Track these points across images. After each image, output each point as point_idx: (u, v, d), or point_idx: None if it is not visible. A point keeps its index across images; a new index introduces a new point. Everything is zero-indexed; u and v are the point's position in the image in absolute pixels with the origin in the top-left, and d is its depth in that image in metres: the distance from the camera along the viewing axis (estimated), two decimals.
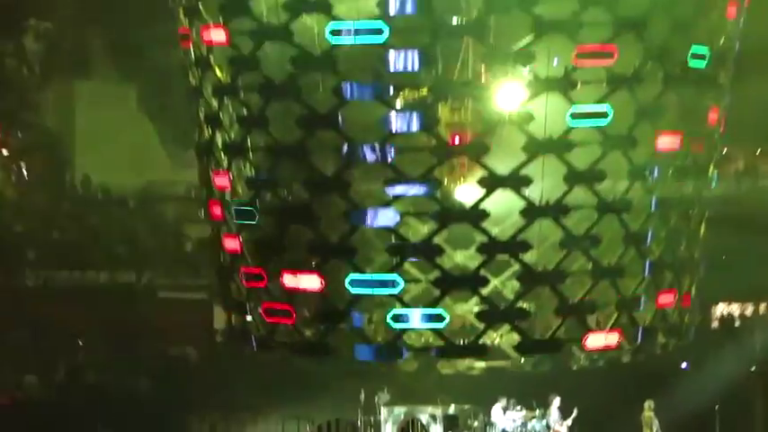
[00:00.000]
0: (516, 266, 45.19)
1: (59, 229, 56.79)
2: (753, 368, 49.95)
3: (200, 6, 47.42)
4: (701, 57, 46.82)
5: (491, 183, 43.98)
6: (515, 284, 45.37)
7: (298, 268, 47.01)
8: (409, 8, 44.17)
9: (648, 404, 46.39)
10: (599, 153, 44.93)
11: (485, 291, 44.97)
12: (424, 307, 44.97)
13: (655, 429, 46.68)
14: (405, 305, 44.63)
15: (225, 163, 47.88)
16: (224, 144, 47.95)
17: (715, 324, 53.31)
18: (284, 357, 47.46)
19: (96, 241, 55.61)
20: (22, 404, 51.92)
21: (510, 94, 44.92)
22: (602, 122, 44.59)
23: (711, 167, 48.86)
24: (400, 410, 46.20)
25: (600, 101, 44.60)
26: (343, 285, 45.49)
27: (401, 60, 44.36)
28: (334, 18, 44.13)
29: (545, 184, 45.09)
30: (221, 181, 49.12)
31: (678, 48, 46.07)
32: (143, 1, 50.96)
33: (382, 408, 46.22)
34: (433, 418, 46.28)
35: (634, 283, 46.15)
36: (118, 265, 51.89)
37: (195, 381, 50.01)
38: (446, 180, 46.41)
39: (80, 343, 56.40)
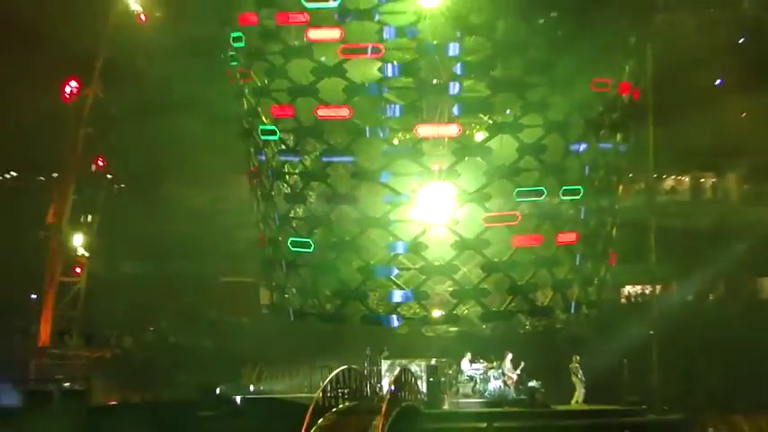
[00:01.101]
0: (479, 258, 46.09)
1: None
2: (651, 332, 50.14)
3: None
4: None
5: (462, 199, 45.60)
6: (479, 271, 46.08)
7: None
8: (401, 73, 45.61)
9: (575, 357, 46.66)
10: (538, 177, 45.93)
11: (456, 276, 45.72)
12: (414, 288, 46.26)
13: (579, 376, 46.59)
14: (399, 287, 46.01)
15: (268, 182, 48.51)
16: (268, 169, 48.34)
17: (623, 300, 54.50)
18: (311, 324, 48.14)
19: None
20: (119, 358, 51.96)
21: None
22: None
23: (620, 188, 49.36)
24: (395, 362, 46.57)
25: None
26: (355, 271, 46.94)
27: (396, 110, 46.33)
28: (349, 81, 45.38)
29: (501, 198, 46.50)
30: (265, 203, 49.46)
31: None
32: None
33: (383, 360, 46.83)
34: (419, 368, 46.37)
35: (565, 270, 46.99)
36: (192, 257, 52.43)
37: (247, 341, 50.77)
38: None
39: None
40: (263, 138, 49.16)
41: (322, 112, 46.12)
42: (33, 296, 51.60)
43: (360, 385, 44.34)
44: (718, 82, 54.22)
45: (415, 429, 41.44)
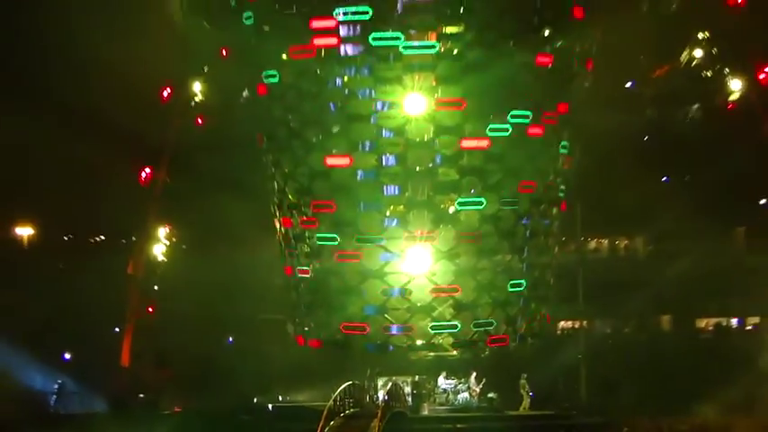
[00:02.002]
0: (451, 300, 46.80)
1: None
2: (579, 355, 51.83)
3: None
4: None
5: (437, 256, 46.41)
6: (451, 311, 46.78)
7: None
8: (393, 162, 46.68)
9: (523, 375, 47.87)
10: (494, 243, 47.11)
11: (434, 314, 46.50)
12: (402, 323, 46.74)
13: (526, 389, 47.55)
14: (391, 322, 46.55)
15: (292, 243, 48.88)
16: (292, 234, 48.97)
17: (559, 332, 55.04)
18: (325, 350, 48.57)
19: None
20: (181, 375, 51.40)
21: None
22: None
23: (555, 248, 50.10)
24: (388, 378, 47.33)
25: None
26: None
27: (390, 189, 47.10)
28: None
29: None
30: (290, 259, 49.93)
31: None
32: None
33: (378, 377, 47.86)
34: (406, 383, 47.61)
35: (514, 309, 47.67)
36: (237, 300, 53.10)
37: (277, 363, 50.82)
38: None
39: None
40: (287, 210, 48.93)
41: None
42: (116, 329, 52.17)
43: (361, 396, 45.53)
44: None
45: (404, 430, 42.44)
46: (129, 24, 48.51)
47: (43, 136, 46.44)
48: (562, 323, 55.37)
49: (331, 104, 47.58)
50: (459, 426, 44.23)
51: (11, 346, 47.82)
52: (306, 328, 49.66)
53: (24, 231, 54.85)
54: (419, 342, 47.53)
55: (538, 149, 48.19)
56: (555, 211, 49.34)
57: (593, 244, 58.10)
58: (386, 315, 47.25)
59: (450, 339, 47.87)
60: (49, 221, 55.08)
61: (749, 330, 55.01)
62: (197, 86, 54.56)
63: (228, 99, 52.71)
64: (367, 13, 45.96)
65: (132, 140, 51.00)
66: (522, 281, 48.52)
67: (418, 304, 47.16)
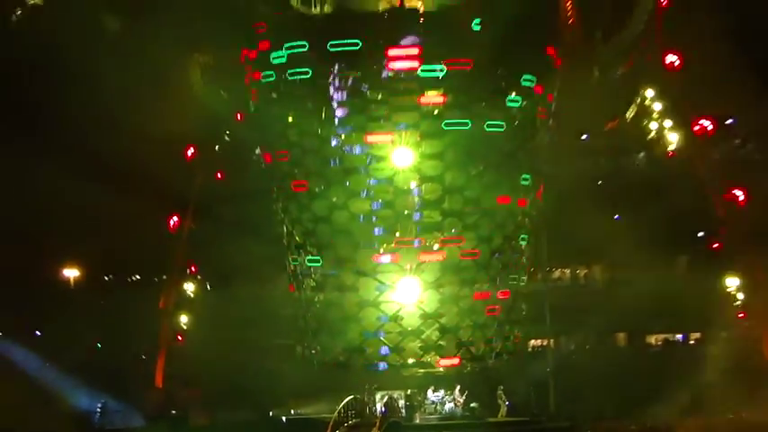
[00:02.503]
0: (437, 325, 47.28)
1: None
2: (548, 369, 51.76)
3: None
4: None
5: (425, 287, 46.99)
6: (437, 333, 47.32)
7: None
8: (383, 207, 47.43)
9: (500, 387, 47.84)
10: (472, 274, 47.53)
11: (423, 337, 47.07)
12: (395, 345, 47.19)
13: (503, 399, 47.30)
14: (386, 344, 47.23)
15: (300, 278, 49.10)
16: (300, 271, 49.19)
17: (530, 349, 55.00)
18: (329, 369, 48.90)
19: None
20: (205, 393, 51.16)
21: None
22: None
23: (525, 277, 50.24)
24: (384, 392, 47.52)
25: None
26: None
27: (381, 230, 47.94)
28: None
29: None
30: (299, 291, 49.83)
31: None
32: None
33: (376, 392, 47.79)
34: (400, 396, 47.38)
35: (492, 331, 48.32)
36: (255, 327, 52.69)
37: (289, 381, 50.68)
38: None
39: None
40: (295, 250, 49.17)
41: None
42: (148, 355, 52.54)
43: (362, 408, 46.02)
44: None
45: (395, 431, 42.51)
46: (160, 91, 48.80)
47: (88, 188, 46.73)
48: (532, 341, 55.11)
49: (330, 160, 47.91)
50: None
51: (62, 372, 48.19)
52: (312, 351, 49.68)
53: (71, 273, 54.82)
54: (410, 361, 47.61)
55: (510, 193, 48.42)
56: (524, 245, 49.43)
57: (557, 273, 57.96)
58: (381, 338, 47.40)
59: (437, 357, 47.73)
60: (92, 263, 55.31)
61: (691, 344, 55.29)
62: (217, 147, 55.09)
63: (244, 156, 53.49)
64: (357, 44, 46.37)
65: (163, 192, 51.43)
66: (498, 305, 48.53)
67: (409, 328, 47.18)
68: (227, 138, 55.08)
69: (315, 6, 48.03)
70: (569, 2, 49.76)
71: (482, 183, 47.69)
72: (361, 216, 47.98)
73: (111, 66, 45.59)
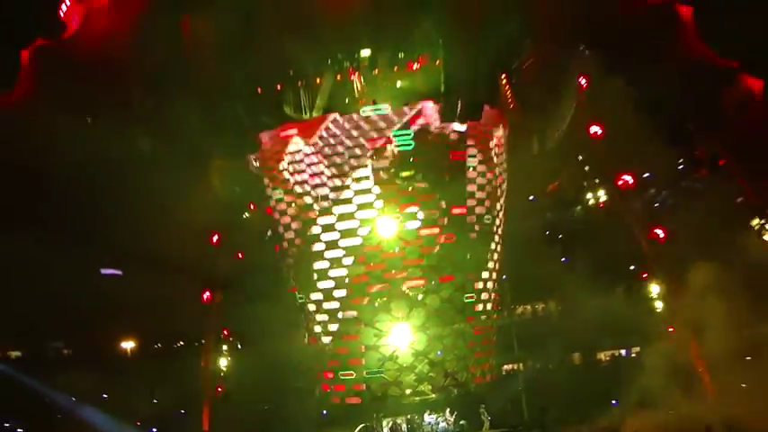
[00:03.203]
0: (426, 360, 48.75)
1: None
2: (519, 387, 52.13)
3: None
4: None
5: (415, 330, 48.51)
6: (428, 367, 48.88)
7: None
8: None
9: (482, 406, 48.42)
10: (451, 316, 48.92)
11: (416, 371, 48.71)
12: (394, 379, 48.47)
13: (486, 415, 47.83)
14: (386, 379, 48.45)
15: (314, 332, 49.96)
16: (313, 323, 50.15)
17: (504, 373, 54.52)
18: (342, 404, 49.35)
19: None
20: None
21: None
22: None
23: (494, 315, 51.28)
24: (389, 419, 48.60)
25: None
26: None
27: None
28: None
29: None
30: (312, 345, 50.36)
31: None
32: None
33: (382, 419, 48.54)
34: (402, 420, 48.69)
35: (471, 361, 49.55)
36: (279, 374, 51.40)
37: (308, 414, 50.07)
38: None
39: None
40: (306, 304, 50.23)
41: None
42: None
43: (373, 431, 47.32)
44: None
45: None
46: (188, 192, 49.43)
47: (137, 276, 47.94)
48: (505, 366, 54.90)
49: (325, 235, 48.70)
50: None
51: (127, 427, 48.74)
52: (327, 390, 50.12)
53: (128, 345, 55.23)
54: (408, 391, 48.81)
55: (476, 249, 49.87)
56: (490, 287, 50.65)
57: (519, 309, 57.99)
58: (382, 375, 48.51)
59: (429, 387, 49.09)
60: (144, 336, 55.52)
61: (633, 356, 55.42)
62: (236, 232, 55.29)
63: (259, 238, 53.96)
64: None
65: (196, 273, 52.06)
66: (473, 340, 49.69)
67: (404, 365, 48.54)
68: (244, 224, 55.57)
69: (305, 113, 48.40)
70: (509, 91, 50.60)
71: (454, 243, 48.96)
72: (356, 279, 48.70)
73: (149, 175, 46.25)
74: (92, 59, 44.71)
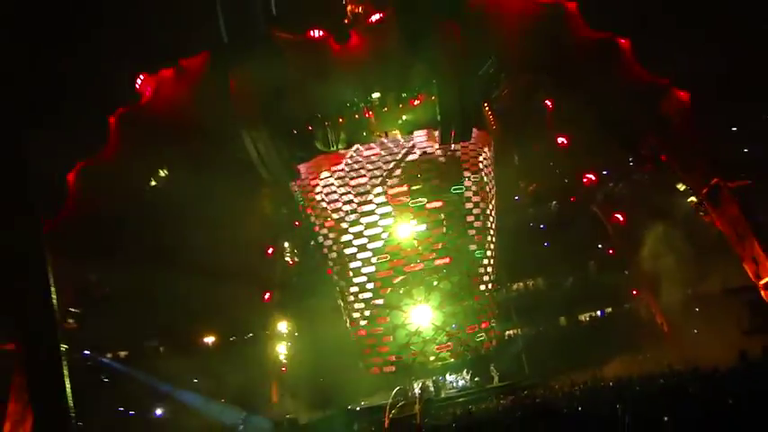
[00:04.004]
0: (444, 332, 48.46)
1: None
2: (520, 347, 52.86)
3: None
4: None
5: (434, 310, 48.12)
6: (446, 338, 48.36)
7: None
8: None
9: (492, 365, 48.95)
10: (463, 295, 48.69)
11: (437, 342, 48.42)
12: (420, 349, 47.92)
13: (495, 372, 48.32)
14: (414, 350, 48.02)
15: (354, 317, 49.36)
16: (352, 314, 49.27)
17: (506, 337, 54.82)
18: (381, 373, 49.23)
19: None
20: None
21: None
22: None
23: (495, 291, 50.97)
24: (419, 381, 48.30)
25: None
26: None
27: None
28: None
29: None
30: (353, 326, 49.60)
31: None
32: None
33: (413, 382, 48.31)
34: (430, 381, 48.80)
35: (479, 331, 49.19)
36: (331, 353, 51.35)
37: (354, 384, 50.39)
38: None
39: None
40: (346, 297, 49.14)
41: None
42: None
43: (406, 393, 46.02)
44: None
45: (431, 407, 42.76)
46: (249, 215, 50.93)
47: (214, 284, 47.30)
48: (507, 332, 54.98)
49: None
50: (461, 399, 45.49)
51: (214, 402, 49.26)
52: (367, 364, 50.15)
53: (209, 339, 55.76)
54: (431, 358, 48.82)
55: (476, 241, 49.49)
56: (490, 271, 50.65)
57: (515, 286, 57.98)
58: (411, 347, 48.50)
59: (449, 353, 48.83)
60: (222, 331, 56.02)
61: (607, 316, 56.05)
62: (286, 243, 56.94)
63: (305, 247, 55.17)
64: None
65: (259, 278, 53.43)
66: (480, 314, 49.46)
67: (427, 338, 48.57)
68: (292, 237, 56.33)
69: (332, 146, 47.79)
70: (491, 115, 51.02)
71: (458, 239, 49.18)
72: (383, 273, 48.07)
73: (214, 205, 46.68)
74: (163, 119, 45.14)
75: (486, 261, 50.01)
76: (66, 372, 13.56)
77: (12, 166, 14.57)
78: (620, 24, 43.49)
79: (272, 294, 54.45)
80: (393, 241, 47.91)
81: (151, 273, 44.06)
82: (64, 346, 14.45)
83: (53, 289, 13.95)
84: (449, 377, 49.16)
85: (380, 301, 48.08)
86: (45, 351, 13.31)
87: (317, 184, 49.43)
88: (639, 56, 42.80)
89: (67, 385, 13.67)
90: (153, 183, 45.58)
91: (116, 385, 48.05)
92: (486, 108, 50.35)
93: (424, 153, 48.45)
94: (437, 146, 48.37)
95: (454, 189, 48.73)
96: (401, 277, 48.24)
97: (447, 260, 48.41)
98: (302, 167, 48.93)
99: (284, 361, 53.94)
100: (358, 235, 48.89)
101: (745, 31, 45.75)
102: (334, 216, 49.06)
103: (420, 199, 48.34)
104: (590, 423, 22.37)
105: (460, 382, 49.28)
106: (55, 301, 13.82)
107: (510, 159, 53.13)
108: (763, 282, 36.09)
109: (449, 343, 48.18)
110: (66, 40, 46.68)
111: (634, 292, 52.77)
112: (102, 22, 48.11)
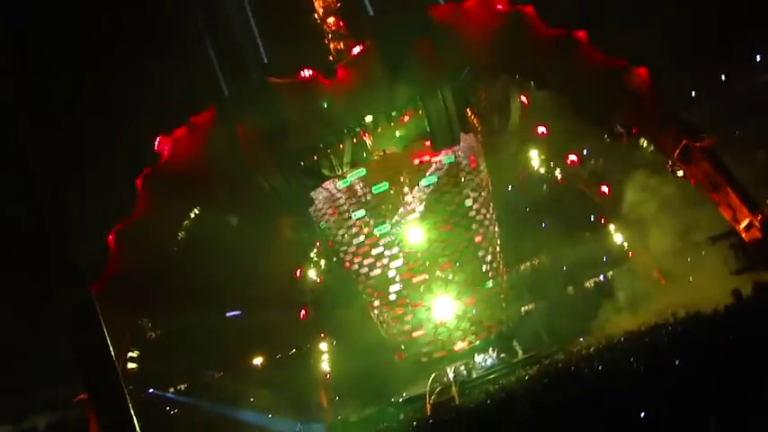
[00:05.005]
0: (467, 318, 48.78)
1: None
2: (537, 320, 51.98)
3: None
4: None
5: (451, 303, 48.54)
6: (468, 324, 48.75)
7: None
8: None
9: (514, 340, 48.51)
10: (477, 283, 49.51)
11: (461, 328, 48.47)
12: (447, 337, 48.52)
13: (518, 346, 48.01)
14: (441, 339, 48.56)
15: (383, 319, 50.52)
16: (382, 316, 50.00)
17: (522, 313, 53.79)
18: (416, 364, 49.26)
19: None
20: None
21: None
22: None
23: (505, 275, 51.57)
24: (452, 365, 47.96)
25: None
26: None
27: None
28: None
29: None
30: (384, 326, 49.89)
31: None
32: None
33: (447, 366, 48.18)
34: (461, 364, 48.21)
35: (498, 311, 49.71)
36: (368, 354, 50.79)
37: (395, 377, 49.59)
38: None
39: None
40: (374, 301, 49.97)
41: None
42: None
43: (441, 378, 46.76)
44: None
45: (465, 386, 43.74)
46: (276, 245, 50.92)
47: (256, 310, 48.05)
48: (522, 308, 54.52)
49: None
50: (491, 376, 45.12)
51: (271, 417, 48.83)
52: (403, 357, 50.46)
53: (258, 360, 55.97)
54: (458, 344, 49.12)
55: (480, 233, 49.58)
56: (498, 257, 50.95)
57: (522, 266, 57.79)
58: (439, 337, 48.86)
59: (474, 338, 48.92)
60: (268, 350, 56.37)
61: (609, 279, 55.33)
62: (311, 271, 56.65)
63: (329, 266, 55.20)
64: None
65: (293, 299, 53.50)
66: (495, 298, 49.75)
67: (451, 327, 48.87)
68: (315, 258, 56.27)
69: (337, 170, 47.39)
70: (475, 118, 50.95)
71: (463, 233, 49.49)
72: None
73: (240, 239, 47.43)
74: (182, 172, 45.65)
75: (492, 249, 50.50)
76: (132, 412, 13.59)
77: (58, 238, 14.60)
78: (575, 19, 44.36)
79: (307, 311, 54.44)
80: (406, 246, 49.00)
81: (193, 310, 44.18)
82: (128, 388, 14.47)
83: (108, 341, 13.94)
84: (477, 358, 49.28)
85: (405, 301, 48.12)
86: (112, 400, 13.27)
87: (331, 207, 50.04)
88: (596, 44, 43.46)
89: (137, 425, 13.67)
90: (182, 232, 45.94)
91: (182, 415, 48.42)
92: (470, 112, 50.41)
93: (422, 163, 49.17)
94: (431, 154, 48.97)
95: (456, 191, 49.56)
96: (419, 276, 48.51)
97: (458, 255, 49.17)
98: (314, 193, 50.14)
99: (327, 368, 53.76)
100: (374, 245, 49.44)
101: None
102: (349, 232, 49.61)
103: (425, 204, 49.01)
104: (609, 378, 22.16)
105: (488, 361, 49.15)
106: (113, 352, 13.81)
107: (498, 154, 52.99)
108: (742, 225, 36.46)
109: (472, 328, 48.13)
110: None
111: (629, 254, 51.98)
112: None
